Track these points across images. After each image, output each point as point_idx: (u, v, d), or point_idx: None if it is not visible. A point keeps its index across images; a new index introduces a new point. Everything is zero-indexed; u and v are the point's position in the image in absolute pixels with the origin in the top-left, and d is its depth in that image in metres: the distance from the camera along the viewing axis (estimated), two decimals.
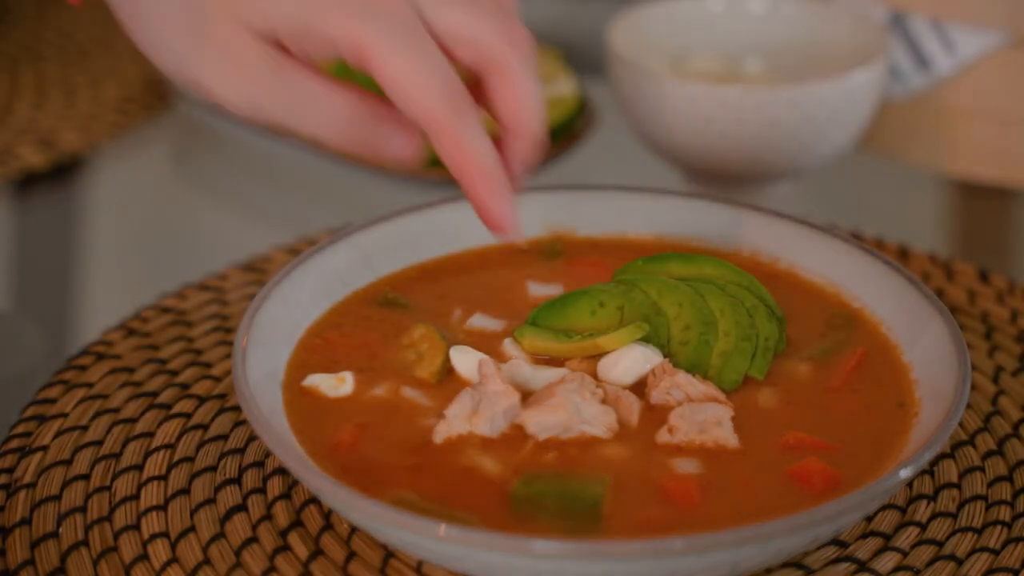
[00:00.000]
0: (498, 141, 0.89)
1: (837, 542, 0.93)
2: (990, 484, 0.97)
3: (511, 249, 1.10)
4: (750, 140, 1.23)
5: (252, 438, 1.00)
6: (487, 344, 1.00)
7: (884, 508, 0.95)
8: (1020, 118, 1.34)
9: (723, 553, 0.83)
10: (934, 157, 1.37)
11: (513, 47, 0.87)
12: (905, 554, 0.92)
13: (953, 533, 0.94)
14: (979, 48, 1.33)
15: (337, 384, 0.97)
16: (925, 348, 0.98)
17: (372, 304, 1.04)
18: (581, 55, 1.55)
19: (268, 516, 0.95)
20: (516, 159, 0.89)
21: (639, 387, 0.96)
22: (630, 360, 0.96)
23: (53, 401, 1.04)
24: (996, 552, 0.92)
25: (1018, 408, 1.03)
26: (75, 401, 1.04)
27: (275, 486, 0.97)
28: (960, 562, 0.92)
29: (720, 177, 1.27)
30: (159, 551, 0.92)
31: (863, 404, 0.96)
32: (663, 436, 0.92)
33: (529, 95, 0.87)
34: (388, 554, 0.92)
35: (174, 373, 1.06)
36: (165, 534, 0.93)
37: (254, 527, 0.94)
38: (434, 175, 1.31)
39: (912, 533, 0.94)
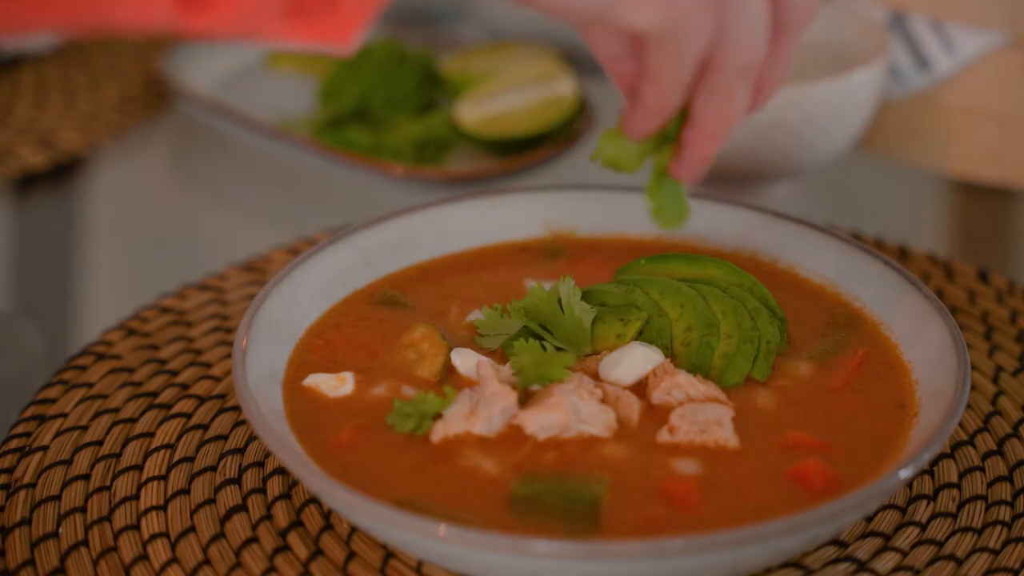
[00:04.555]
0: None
1: (837, 542, 0.93)
2: (990, 484, 0.97)
3: (511, 248, 1.10)
4: (750, 140, 1.23)
5: (252, 438, 1.00)
6: None
7: (884, 508, 0.95)
8: (1020, 118, 1.34)
9: (723, 553, 0.83)
10: (934, 157, 1.37)
11: (745, 64, 0.91)
12: (905, 554, 0.92)
13: (953, 533, 0.94)
14: (979, 48, 1.33)
15: (337, 384, 0.97)
16: (925, 348, 0.98)
17: (372, 304, 1.04)
18: (581, 55, 1.55)
19: (268, 516, 0.95)
20: (696, 155, 0.95)
21: (640, 387, 0.96)
22: (631, 360, 0.96)
23: (53, 401, 1.04)
24: (996, 552, 0.92)
25: (1018, 408, 1.03)
26: (75, 401, 1.04)
27: (275, 486, 0.97)
28: (960, 562, 0.92)
29: (720, 177, 1.27)
30: (159, 551, 0.92)
31: (863, 404, 0.96)
32: (663, 436, 0.92)
33: (734, 107, 0.92)
34: (388, 554, 0.92)
35: (174, 373, 1.06)
36: (165, 534, 0.93)
37: (254, 527, 0.94)
38: (434, 175, 1.31)
39: (912, 533, 0.94)
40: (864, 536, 0.93)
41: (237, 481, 0.97)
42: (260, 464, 0.98)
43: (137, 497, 0.96)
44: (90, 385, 1.05)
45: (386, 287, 1.06)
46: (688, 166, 0.95)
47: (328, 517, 0.94)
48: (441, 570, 0.91)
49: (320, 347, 1.00)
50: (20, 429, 1.02)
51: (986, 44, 1.33)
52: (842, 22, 1.33)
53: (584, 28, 0.93)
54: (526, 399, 0.95)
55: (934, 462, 0.99)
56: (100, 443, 1.00)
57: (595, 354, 0.98)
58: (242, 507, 0.95)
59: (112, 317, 1.13)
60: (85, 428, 1.02)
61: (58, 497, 0.96)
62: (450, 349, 0.99)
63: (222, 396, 1.04)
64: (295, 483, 0.97)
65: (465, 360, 0.98)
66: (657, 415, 0.94)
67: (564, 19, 0.88)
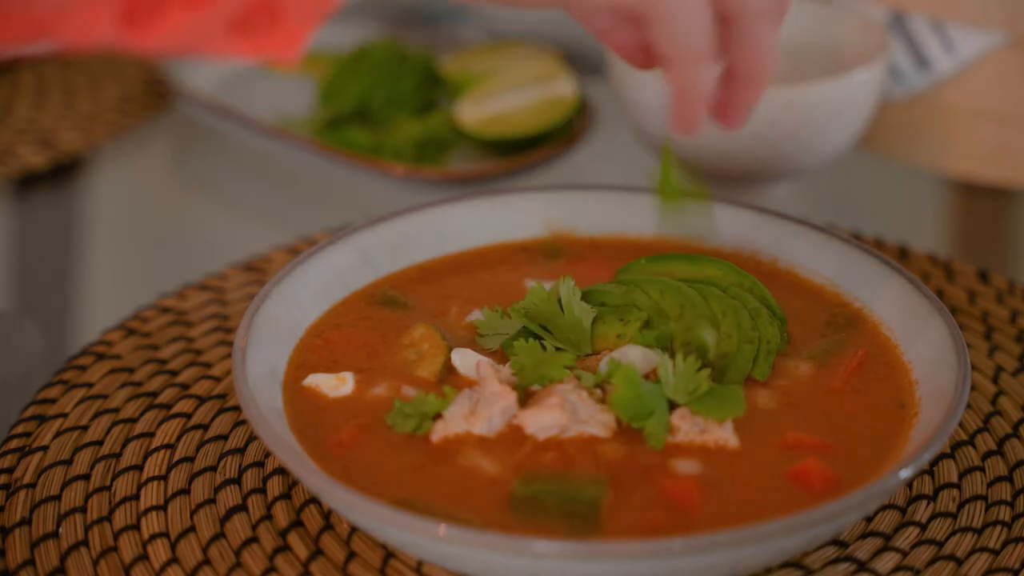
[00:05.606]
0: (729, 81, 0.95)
1: (837, 542, 0.93)
2: (990, 484, 0.97)
3: (511, 248, 1.10)
4: (750, 140, 1.23)
5: (252, 438, 1.00)
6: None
7: (884, 508, 0.95)
8: (1020, 118, 1.34)
9: (723, 553, 0.83)
10: (934, 157, 1.37)
11: (764, 6, 0.92)
12: (905, 554, 0.92)
13: (953, 533, 0.94)
14: (979, 48, 1.33)
15: (337, 384, 0.97)
16: (925, 348, 0.98)
17: (372, 304, 1.04)
18: (581, 55, 1.55)
19: (268, 516, 0.95)
20: (740, 103, 0.95)
21: None
22: (631, 360, 0.96)
23: (53, 401, 1.04)
24: (996, 552, 0.92)
25: (1018, 408, 1.03)
26: (75, 401, 1.04)
27: (275, 486, 0.97)
28: (960, 562, 0.92)
29: (720, 177, 1.27)
30: (159, 551, 0.92)
31: (863, 404, 0.96)
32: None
33: (767, 50, 0.92)
34: (388, 554, 0.92)
35: (174, 373, 1.06)
36: (165, 534, 0.93)
37: (254, 527, 0.94)
38: (434, 175, 1.31)
39: (912, 533, 0.94)
40: (864, 536, 0.93)
41: (237, 481, 0.97)
42: (260, 464, 0.98)
43: (137, 497, 0.96)
44: (90, 385, 1.05)
45: (386, 287, 1.06)
46: (733, 114, 0.95)
47: (328, 517, 0.94)
48: (441, 570, 0.91)
49: (320, 347, 1.00)
50: (20, 429, 1.02)
51: (986, 44, 1.33)
52: (842, 22, 1.33)
53: (569, 8, 0.92)
54: (526, 399, 0.95)
55: (934, 462, 0.99)
56: (100, 443, 1.00)
57: (595, 354, 0.98)
58: (242, 507, 0.95)
59: (112, 317, 1.13)
60: (85, 428, 1.02)
61: (58, 497, 0.96)
62: (450, 349, 0.99)
63: (222, 396, 1.04)
64: (295, 483, 0.97)
65: (465, 360, 0.98)
66: None
67: (535, 8, 0.88)
